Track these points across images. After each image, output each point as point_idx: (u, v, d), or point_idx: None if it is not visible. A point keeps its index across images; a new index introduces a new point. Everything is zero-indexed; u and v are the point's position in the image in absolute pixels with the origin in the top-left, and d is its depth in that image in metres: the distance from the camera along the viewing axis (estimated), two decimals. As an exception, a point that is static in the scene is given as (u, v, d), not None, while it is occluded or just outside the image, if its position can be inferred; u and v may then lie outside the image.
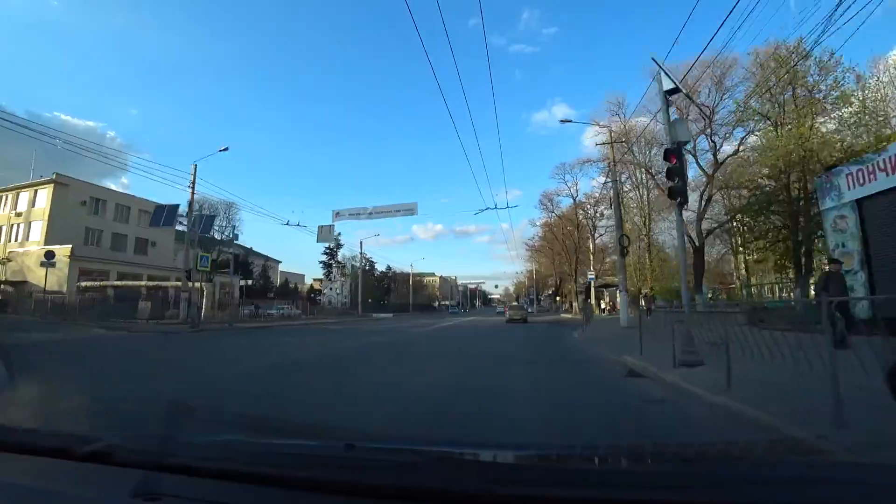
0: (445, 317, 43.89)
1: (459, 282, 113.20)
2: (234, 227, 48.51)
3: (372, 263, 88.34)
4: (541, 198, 43.49)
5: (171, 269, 37.52)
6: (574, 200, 40.15)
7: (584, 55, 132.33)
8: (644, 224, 35.76)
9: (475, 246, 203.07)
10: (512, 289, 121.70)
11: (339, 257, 78.73)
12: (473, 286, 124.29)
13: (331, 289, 64.18)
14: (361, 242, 47.30)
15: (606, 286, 35.51)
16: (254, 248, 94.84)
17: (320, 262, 79.97)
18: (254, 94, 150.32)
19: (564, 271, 60.68)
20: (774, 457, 1.46)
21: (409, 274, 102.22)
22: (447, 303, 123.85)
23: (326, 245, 47.60)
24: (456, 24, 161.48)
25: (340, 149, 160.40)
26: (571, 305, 45.17)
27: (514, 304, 48.04)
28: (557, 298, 61.37)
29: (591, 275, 33.24)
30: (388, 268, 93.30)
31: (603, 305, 36.74)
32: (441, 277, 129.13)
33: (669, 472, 1.16)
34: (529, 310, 57.54)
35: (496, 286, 77.22)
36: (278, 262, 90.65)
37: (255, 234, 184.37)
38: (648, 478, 1.09)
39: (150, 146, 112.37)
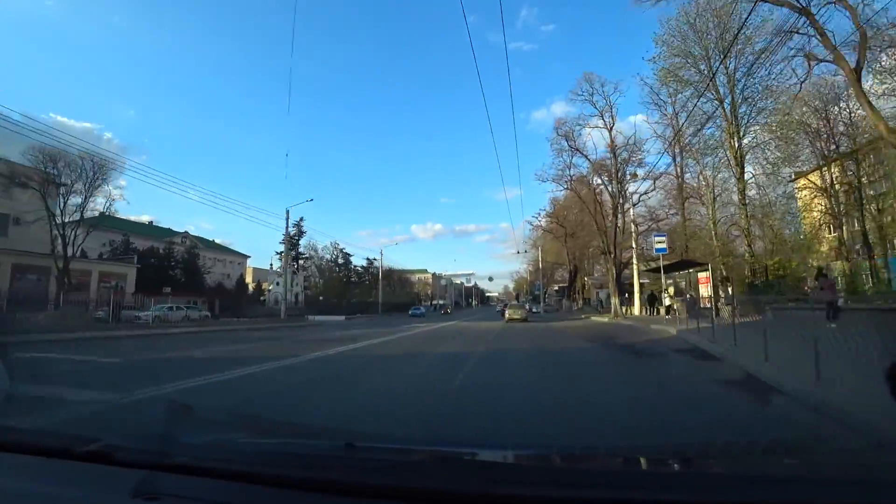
0: (402, 324, 25.11)
1: (446, 275, 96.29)
2: (111, 196, 32.50)
3: (347, 256, 72.77)
4: (555, 128, 27.06)
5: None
6: (610, 132, 24.31)
7: (584, 54, 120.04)
8: (735, 157, 19.91)
9: (475, 246, 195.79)
10: (511, 287, 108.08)
11: (308, 249, 63.36)
12: (469, 284, 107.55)
13: (277, 283, 48.61)
14: (288, 211, 31.40)
15: (677, 268, 19.46)
16: (215, 241, 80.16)
17: (277, 253, 64.69)
18: (254, 93, 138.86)
19: (580, 257, 44.84)
20: (775, 456, 1.43)
21: (398, 270, 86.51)
22: (439, 302, 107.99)
23: (285, 232, 31.91)
24: (456, 21, 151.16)
25: (340, 146, 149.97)
26: (600, 302, 29.09)
27: (514, 302, 41.88)
28: (569, 294, 45.29)
29: (659, 244, 17.21)
30: (370, 262, 77.53)
31: (667, 302, 20.80)
32: (434, 274, 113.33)
33: (669, 472, 1.13)
34: (533, 310, 43.33)
35: (490, 279, 60.84)
36: (246, 256, 76.70)
37: (232, 230, 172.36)
38: (648, 478, 1.07)
39: (149, 148, 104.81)
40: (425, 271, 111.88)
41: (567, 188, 26.22)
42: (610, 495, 0.91)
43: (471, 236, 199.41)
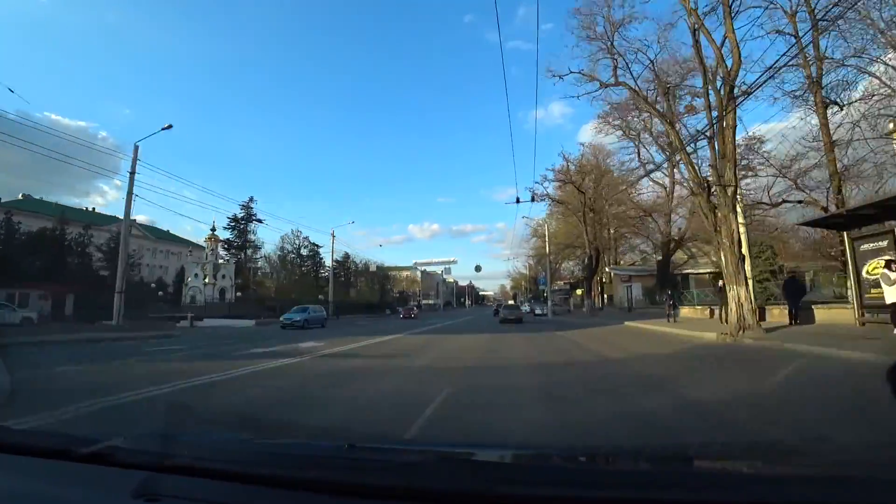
0: (295, 340, 12.76)
1: (420, 263, 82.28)
2: None
3: (315, 247, 59.44)
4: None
5: None
6: None
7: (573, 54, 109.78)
8: None
9: (472, 246, 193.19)
10: (509, 285, 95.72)
11: (245, 232, 50.11)
12: (452, 275, 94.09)
13: (196, 275, 35.73)
14: (137, 146, 18.39)
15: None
16: (170, 231, 67.08)
17: (223, 242, 51.76)
18: (250, 94, 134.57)
19: (598, 237, 31.96)
20: (775, 456, 1.40)
21: (385, 267, 73.28)
22: (430, 301, 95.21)
23: (130, 183, 18.89)
24: (453, 20, 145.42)
25: (338, 147, 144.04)
26: (673, 304, 15.80)
27: (510, 302, 38.58)
28: (589, 289, 32.27)
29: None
30: (347, 256, 64.17)
31: (893, 296, 7.91)
32: (423, 272, 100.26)
33: (669, 471, 1.10)
34: (537, 311, 31.95)
35: (478, 268, 46.49)
36: (203, 248, 64.54)
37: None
38: (648, 477, 1.03)
39: (144, 145, 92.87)
40: (415, 268, 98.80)
41: (606, 84, 13.41)
42: (610, 494, 0.87)
43: (468, 236, 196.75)
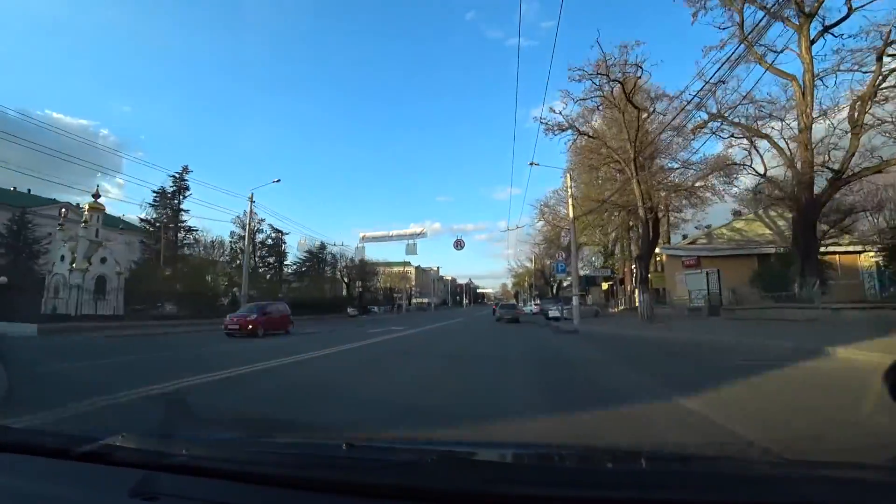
0: None
1: (369, 236, 69.38)
2: None
3: (280, 235, 47.64)
4: None
5: None
6: None
7: (583, 51, 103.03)
8: None
9: (473, 245, 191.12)
10: (510, 283, 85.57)
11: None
12: (462, 280, 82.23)
13: (63, 258, 24.63)
14: None
15: None
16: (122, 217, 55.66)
17: (147, 221, 40.70)
18: (249, 92, 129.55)
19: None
20: (774, 456, 1.39)
21: (371, 263, 61.77)
22: (425, 300, 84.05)
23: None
24: (453, 18, 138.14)
25: (335, 144, 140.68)
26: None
27: (511, 302, 36.96)
28: (605, 285, 20.60)
29: None
30: (323, 246, 52.13)
31: None
32: (417, 268, 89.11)
33: (667, 471, 1.09)
34: (552, 314, 23.19)
35: (460, 244, 34.26)
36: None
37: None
38: (646, 477, 1.02)
39: (145, 144, 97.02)
40: (408, 264, 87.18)
41: None
42: (610, 494, 0.87)
43: (469, 235, 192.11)
